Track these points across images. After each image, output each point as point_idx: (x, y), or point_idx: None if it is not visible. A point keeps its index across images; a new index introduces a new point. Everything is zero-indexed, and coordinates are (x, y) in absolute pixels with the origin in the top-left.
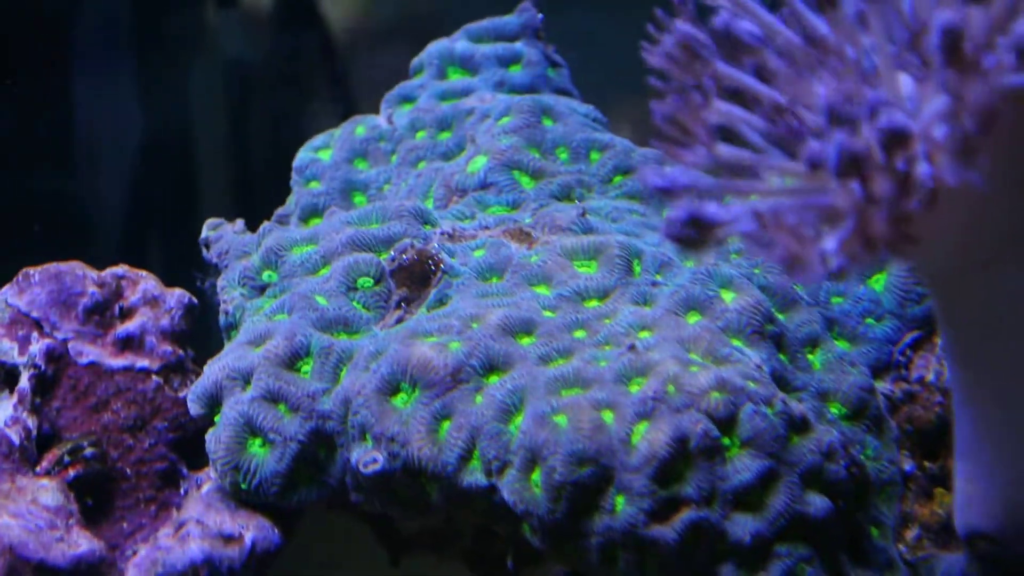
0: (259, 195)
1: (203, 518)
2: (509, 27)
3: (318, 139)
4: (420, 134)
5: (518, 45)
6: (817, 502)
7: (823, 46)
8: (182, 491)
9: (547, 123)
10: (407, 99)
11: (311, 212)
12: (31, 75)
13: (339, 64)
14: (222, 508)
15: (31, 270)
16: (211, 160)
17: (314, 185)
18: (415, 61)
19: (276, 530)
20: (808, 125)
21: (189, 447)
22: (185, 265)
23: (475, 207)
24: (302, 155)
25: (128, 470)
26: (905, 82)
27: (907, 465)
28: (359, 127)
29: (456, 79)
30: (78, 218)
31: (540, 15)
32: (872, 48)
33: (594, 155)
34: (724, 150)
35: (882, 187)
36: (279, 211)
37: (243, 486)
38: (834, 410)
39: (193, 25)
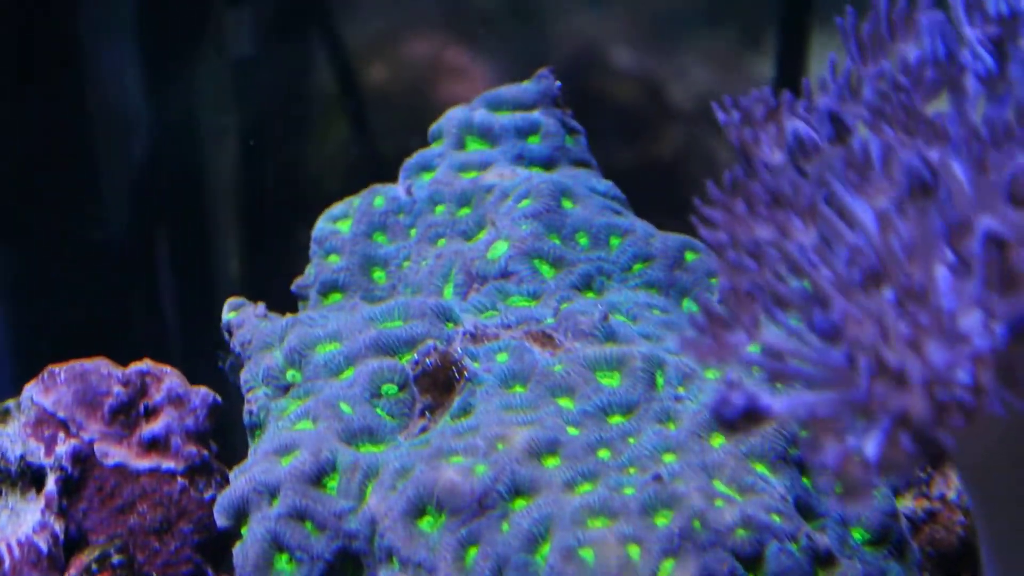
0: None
1: None
2: (527, 96)
3: (337, 208)
4: (439, 209)
5: (536, 115)
6: None
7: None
8: None
9: (567, 206)
10: (426, 168)
11: (331, 288)
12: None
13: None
14: None
15: (56, 368)
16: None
17: (333, 259)
18: (433, 128)
19: None
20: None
21: (214, 549)
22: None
23: (496, 297)
24: (321, 226)
25: (155, 574)
26: (942, 275)
27: None
28: (378, 198)
29: (475, 150)
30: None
31: (558, 83)
32: (908, 239)
33: (614, 240)
34: (768, 337)
35: (920, 409)
36: (298, 281)
37: None
38: (857, 536)
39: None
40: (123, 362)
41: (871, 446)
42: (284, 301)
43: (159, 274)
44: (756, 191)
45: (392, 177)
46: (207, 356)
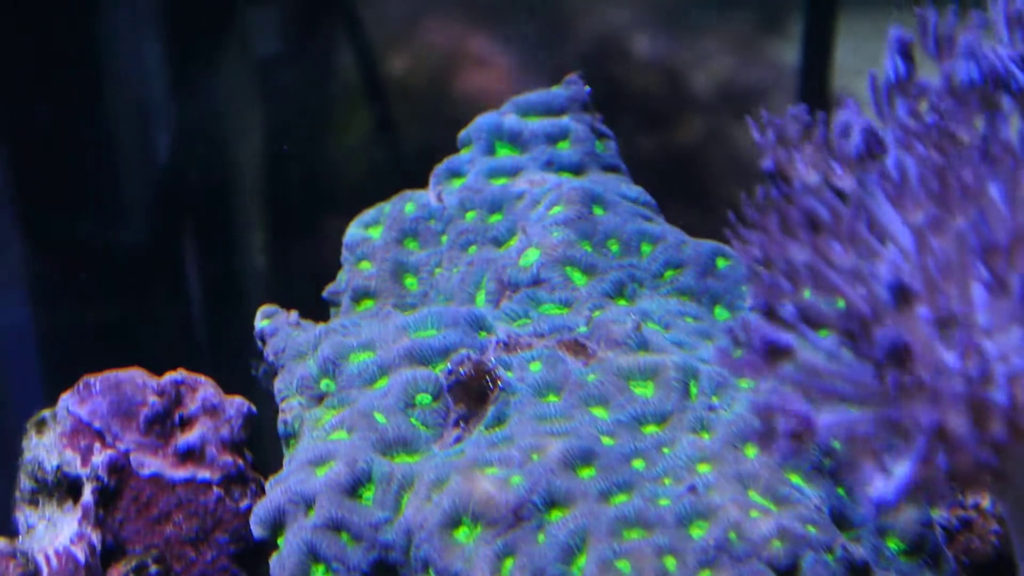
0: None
1: None
2: (557, 101)
3: (368, 214)
4: (470, 215)
5: (565, 120)
6: None
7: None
8: None
9: (598, 212)
10: (456, 174)
11: (363, 294)
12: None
13: (373, 67)
14: None
15: (91, 379)
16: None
17: (365, 266)
18: (463, 134)
19: None
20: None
21: (250, 559)
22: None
23: (528, 304)
24: (352, 232)
25: None
26: (979, 293)
27: None
28: (409, 204)
29: (505, 156)
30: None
31: (588, 88)
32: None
33: (645, 248)
34: (805, 356)
35: (956, 427)
36: (330, 288)
37: None
38: (892, 546)
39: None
40: (151, 364)
41: (905, 465)
42: (309, 297)
43: (185, 274)
44: (792, 214)
45: (415, 168)
46: (234, 356)
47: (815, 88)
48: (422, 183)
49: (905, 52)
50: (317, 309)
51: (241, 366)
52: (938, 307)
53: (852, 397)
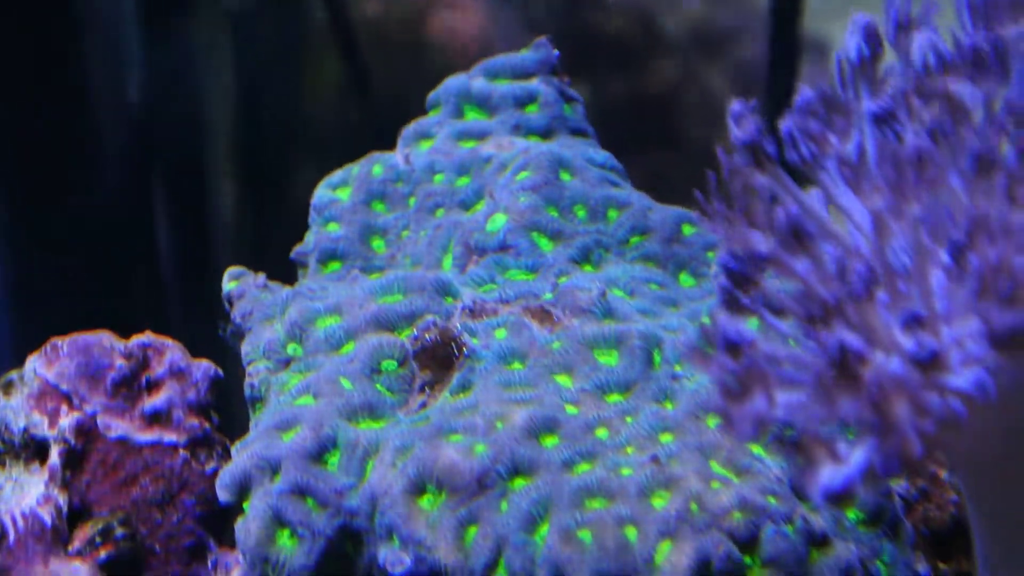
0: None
1: None
2: (526, 65)
3: (336, 176)
4: (438, 178)
5: (534, 84)
6: None
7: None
8: (209, 564)
9: (565, 178)
10: (424, 136)
11: (330, 256)
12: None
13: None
14: None
15: (59, 340)
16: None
17: (332, 228)
18: (431, 96)
19: None
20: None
21: (216, 522)
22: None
23: (494, 270)
24: (320, 194)
25: (157, 547)
26: (936, 277)
27: (921, 568)
28: (376, 166)
29: (473, 119)
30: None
31: (556, 52)
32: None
33: (612, 213)
34: (765, 346)
35: (911, 415)
36: (298, 248)
37: None
38: (851, 516)
39: None
40: (124, 325)
41: (860, 453)
42: (282, 253)
43: (155, 230)
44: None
45: (387, 116)
46: (204, 315)
47: (786, 31)
48: (394, 133)
49: (870, 34)
50: (287, 266)
51: (210, 321)
52: (897, 294)
53: (807, 385)
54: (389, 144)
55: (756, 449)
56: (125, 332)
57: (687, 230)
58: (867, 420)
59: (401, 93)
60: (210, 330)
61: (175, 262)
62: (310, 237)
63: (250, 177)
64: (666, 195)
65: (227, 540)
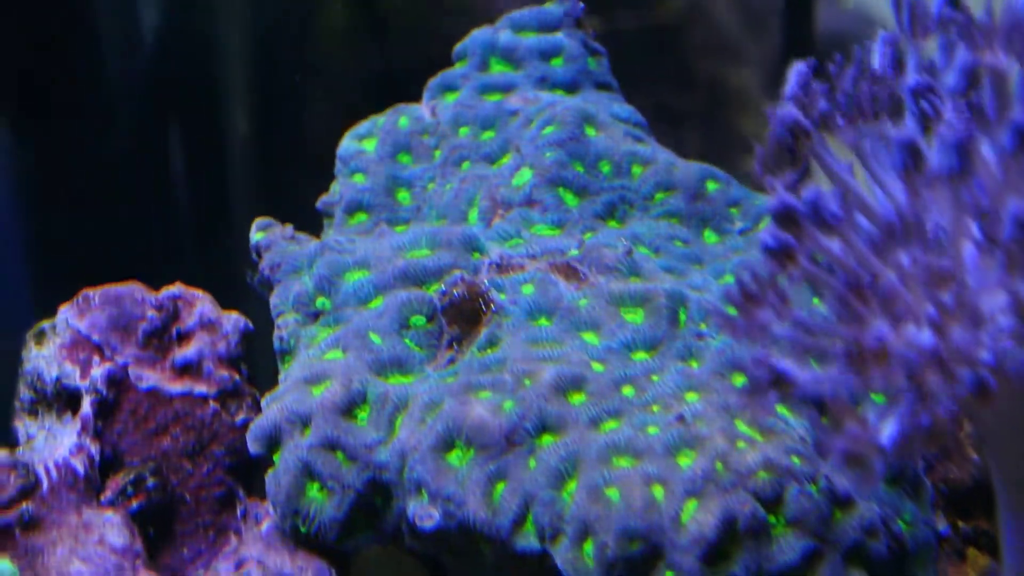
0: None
1: (264, 559)
2: (551, 17)
3: (362, 126)
4: (463, 131)
5: (559, 37)
6: None
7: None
8: (238, 514)
9: (590, 133)
10: (450, 88)
11: (356, 207)
12: None
13: None
14: (282, 549)
15: (90, 292)
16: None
17: (359, 179)
18: (458, 48)
19: (333, 572)
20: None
21: (245, 472)
22: None
23: (520, 224)
24: (346, 144)
25: (187, 496)
26: (969, 251)
27: (941, 527)
28: (402, 118)
29: (498, 72)
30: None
31: (581, 4)
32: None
33: (636, 169)
34: (795, 314)
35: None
36: (324, 198)
37: (303, 530)
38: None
39: None
40: (143, 274)
41: (891, 424)
42: (297, 196)
43: (173, 180)
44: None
45: (403, 59)
46: (223, 260)
47: None
48: (410, 79)
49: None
50: (304, 215)
51: (228, 271)
52: (929, 267)
53: (841, 356)
54: (405, 90)
55: (780, 409)
56: (144, 281)
57: (711, 186)
58: (900, 390)
59: (414, 28)
60: (228, 280)
61: (193, 210)
62: (336, 187)
63: (267, 129)
64: (674, 128)
65: (256, 490)
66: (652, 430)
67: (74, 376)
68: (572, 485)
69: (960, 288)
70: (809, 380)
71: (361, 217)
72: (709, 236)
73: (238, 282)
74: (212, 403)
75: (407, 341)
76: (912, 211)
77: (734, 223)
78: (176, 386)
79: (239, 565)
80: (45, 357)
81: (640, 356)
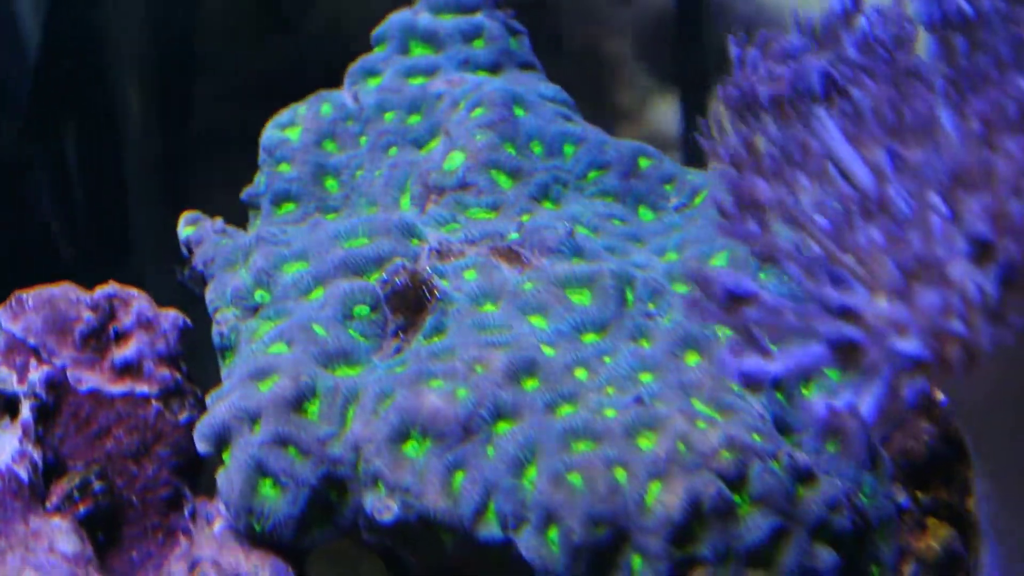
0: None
1: (218, 559)
2: None
3: (284, 115)
4: (389, 116)
5: (479, 18)
6: (825, 556)
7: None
8: (186, 514)
9: (519, 114)
10: (371, 73)
11: (284, 197)
12: None
13: None
14: (236, 548)
15: (23, 294)
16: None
17: (284, 169)
18: (376, 32)
19: (290, 570)
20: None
21: (191, 471)
22: None
23: (455, 209)
24: (269, 133)
25: (134, 498)
26: (936, 225)
27: (901, 499)
28: (325, 105)
29: (420, 55)
30: None
31: None
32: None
33: (568, 149)
34: (766, 296)
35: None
36: (248, 190)
37: (258, 528)
38: (832, 449)
39: None
40: (52, 276)
41: (869, 399)
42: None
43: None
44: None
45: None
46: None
47: None
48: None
49: None
50: (216, 194)
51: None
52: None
53: (813, 333)
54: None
55: (736, 386)
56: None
57: (644, 163)
58: (871, 365)
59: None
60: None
61: (88, 207)
62: (261, 178)
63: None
64: None
65: (203, 489)
66: (610, 412)
67: (11, 381)
68: (532, 472)
69: (930, 260)
70: (783, 366)
71: (289, 207)
72: (645, 213)
73: (137, 279)
74: (155, 403)
75: (352, 332)
76: (876, 187)
77: (669, 199)
78: (117, 387)
79: (193, 566)
80: None
81: (590, 338)
